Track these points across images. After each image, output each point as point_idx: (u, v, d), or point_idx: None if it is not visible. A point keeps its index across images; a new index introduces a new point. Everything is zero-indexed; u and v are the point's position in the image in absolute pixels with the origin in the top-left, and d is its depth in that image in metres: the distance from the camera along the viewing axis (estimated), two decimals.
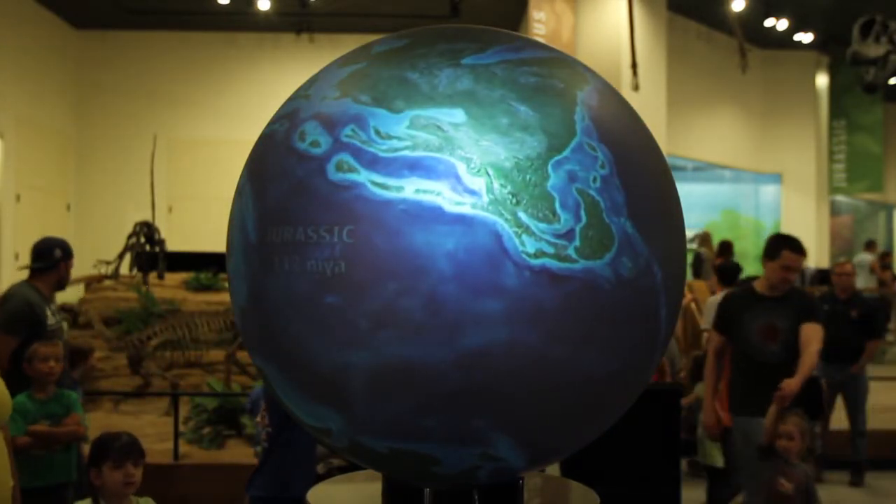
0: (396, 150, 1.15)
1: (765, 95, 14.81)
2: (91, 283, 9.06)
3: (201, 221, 11.81)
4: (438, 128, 1.15)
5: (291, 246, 1.19)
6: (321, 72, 1.36)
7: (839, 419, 6.35)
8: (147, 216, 9.47)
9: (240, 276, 1.30)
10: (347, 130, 1.18)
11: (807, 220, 15.04)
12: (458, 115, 1.16)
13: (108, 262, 9.04)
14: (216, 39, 13.22)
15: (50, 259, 4.42)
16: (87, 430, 3.97)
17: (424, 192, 1.12)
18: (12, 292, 4.29)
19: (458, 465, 1.24)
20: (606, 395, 1.27)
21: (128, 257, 8.99)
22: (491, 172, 1.13)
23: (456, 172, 1.13)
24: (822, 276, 11.57)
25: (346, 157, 1.17)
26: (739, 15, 11.27)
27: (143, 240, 8.89)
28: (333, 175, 1.17)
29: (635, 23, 9.78)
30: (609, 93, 1.32)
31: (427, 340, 1.13)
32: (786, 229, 15.16)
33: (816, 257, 14.66)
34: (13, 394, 4.04)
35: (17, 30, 11.33)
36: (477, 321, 1.12)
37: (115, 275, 8.91)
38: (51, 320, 4.34)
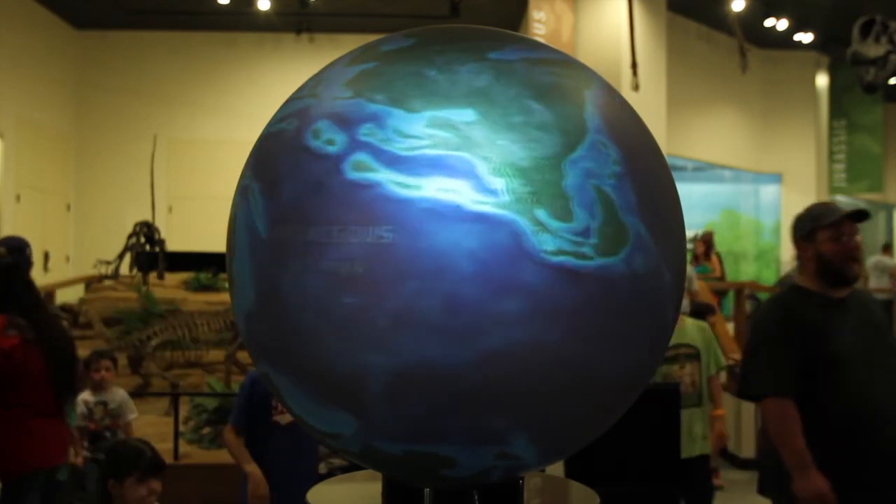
0: (415, 148, 1.13)
1: (765, 95, 14.80)
2: (91, 283, 9.06)
3: (201, 221, 11.81)
4: (454, 126, 1.14)
5: (307, 246, 1.15)
6: (326, 71, 1.33)
7: None
8: (147, 216, 9.48)
9: (246, 278, 1.25)
10: (364, 129, 1.16)
11: None
12: (470, 113, 1.15)
13: (108, 262, 9.04)
14: (216, 39, 13.22)
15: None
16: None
17: (446, 190, 1.11)
18: None
19: (473, 466, 1.23)
20: (617, 393, 1.27)
21: (128, 257, 9.00)
22: (509, 171, 1.12)
23: (476, 171, 1.12)
24: None
25: (363, 157, 1.14)
26: (739, 15, 11.27)
27: (143, 240, 8.90)
28: (351, 174, 1.14)
29: (635, 23, 9.77)
30: (613, 94, 1.32)
31: (447, 340, 1.11)
32: (786, 229, 15.17)
33: None
34: None
35: (17, 30, 11.33)
36: (497, 321, 1.11)
37: (115, 275, 8.91)
38: None
